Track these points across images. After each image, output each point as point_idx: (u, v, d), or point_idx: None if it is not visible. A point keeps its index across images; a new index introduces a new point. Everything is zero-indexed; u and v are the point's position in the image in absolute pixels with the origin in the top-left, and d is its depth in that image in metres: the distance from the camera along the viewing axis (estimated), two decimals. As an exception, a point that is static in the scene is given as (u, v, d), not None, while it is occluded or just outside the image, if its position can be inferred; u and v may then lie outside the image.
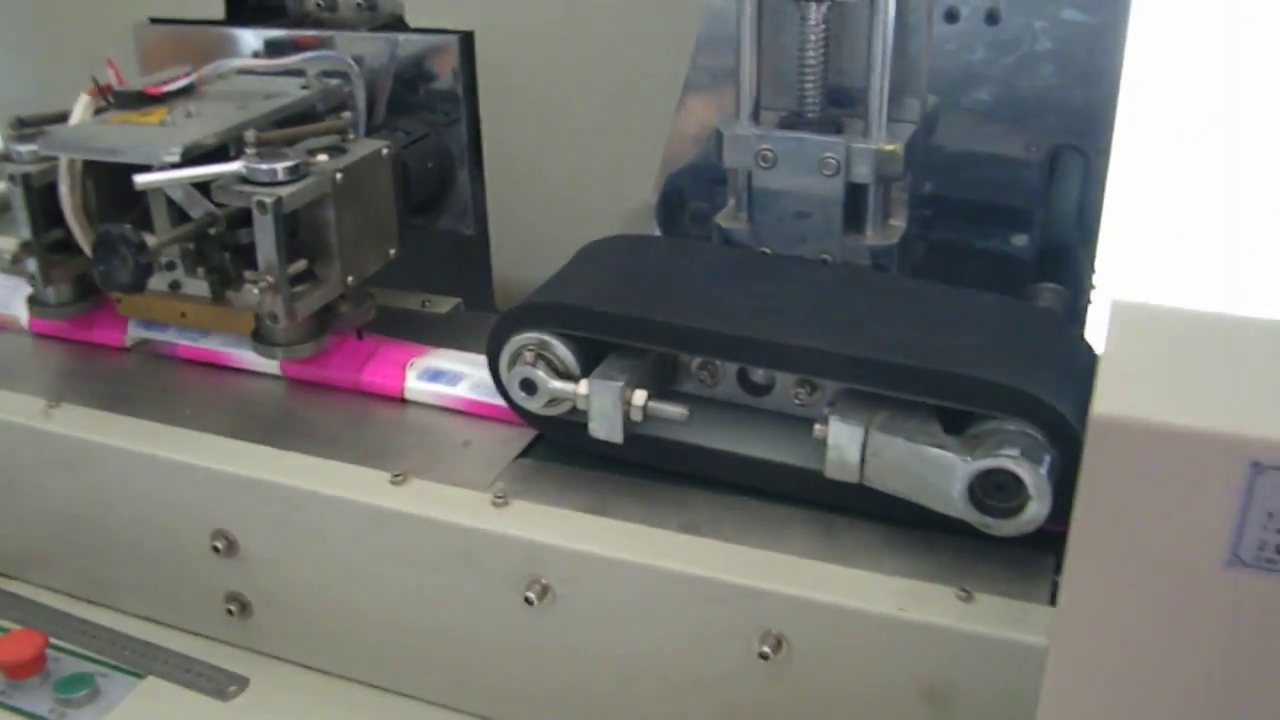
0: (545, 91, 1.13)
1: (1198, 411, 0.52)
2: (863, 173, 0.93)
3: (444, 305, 1.19)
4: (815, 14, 0.93)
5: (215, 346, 1.09)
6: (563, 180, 1.15)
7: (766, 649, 0.80)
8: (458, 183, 1.20)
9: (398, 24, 1.20)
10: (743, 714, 0.84)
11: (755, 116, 0.97)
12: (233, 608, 0.98)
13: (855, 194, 0.95)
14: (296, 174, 0.98)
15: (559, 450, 0.95)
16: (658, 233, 1.11)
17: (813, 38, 0.93)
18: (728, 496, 0.89)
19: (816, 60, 0.94)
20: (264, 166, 0.98)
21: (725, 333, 0.85)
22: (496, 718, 0.92)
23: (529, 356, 0.89)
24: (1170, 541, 0.54)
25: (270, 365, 1.07)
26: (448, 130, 1.19)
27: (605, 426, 0.87)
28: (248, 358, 1.07)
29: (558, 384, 0.89)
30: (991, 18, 0.98)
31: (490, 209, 1.19)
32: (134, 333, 1.12)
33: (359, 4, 1.22)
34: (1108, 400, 0.52)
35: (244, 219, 0.99)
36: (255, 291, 0.99)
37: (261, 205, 0.96)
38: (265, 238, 0.97)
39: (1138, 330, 0.54)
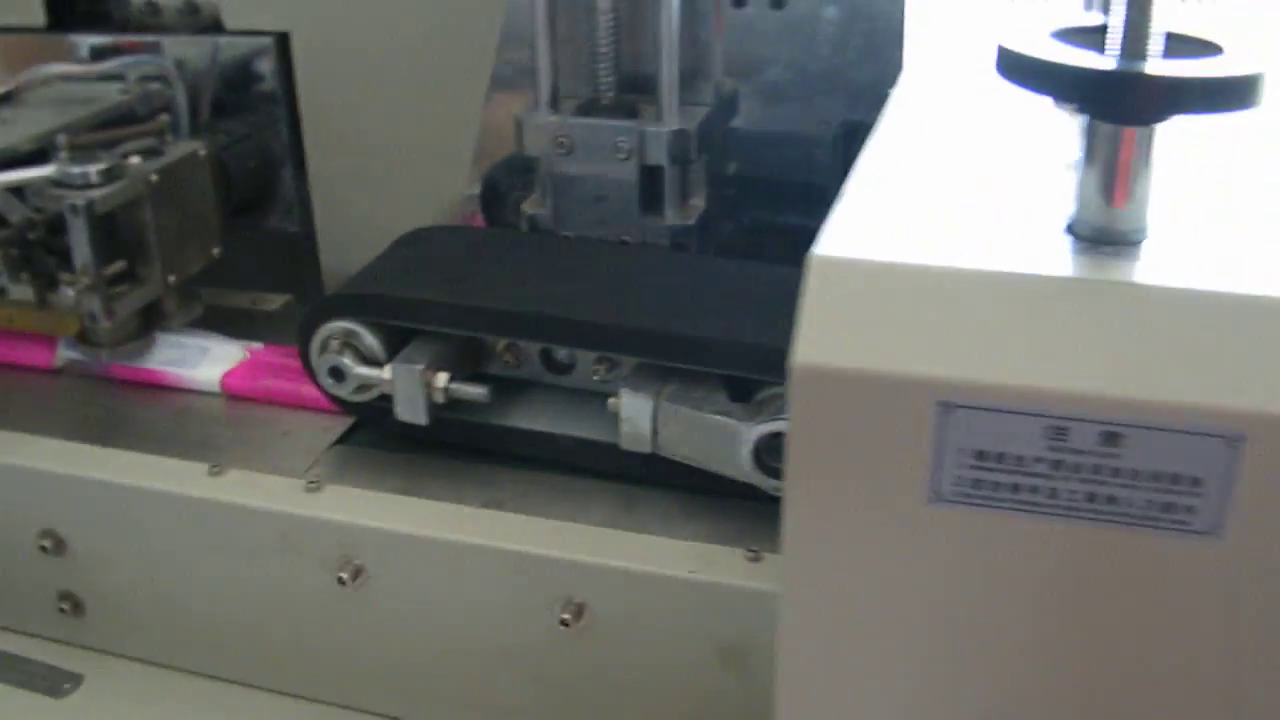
0: (362, 88, 1.16)
1: (888, 356, 0.56)
2: (657, 155, 0.97)
3: (274, 302, 1.21)
4: (604, 2, 0.96)
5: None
6: (384, 174, 1.17)
7: (567, 616, 0.84)
8: (282, 181, 1.22)
9: (219, 27, 1.21)
10: (551, 682, 0.87)
11: (554, 105, 1.00)
12: (65, 606, 0.99)
13: (652, 176, 0.98)
14: (109, 176, 1.00)
15: (374, 436, 0.98)
16: (481, 223, 1.14)
17: (603, 25, 0.96)
18: (534, 473, 0.92)
19: (608, 48, 0.97)
20: (76, 170, 0.99)
21: (519, 312, 0.88)
22: (323, 699, 0.94)
23: (335, 345, 0.91)
24: (876, 482, 0.57)
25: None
26: (270, 130, 1.21)
27: (410, 409, 0.90)
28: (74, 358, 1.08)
29: (363, 370, 0.91)
30: (777, 2, 1.02)
31: (315, 206, 1.21)
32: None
33: (181, 8, 1.23)
34: (805, 349, 0.56)
35: (63, 222, 1.00)
36: (72, 293, 1.00)
37: (73, 208, 0.98)
38: (79, 240, 0.99)
39: (835, 283, 0.57)
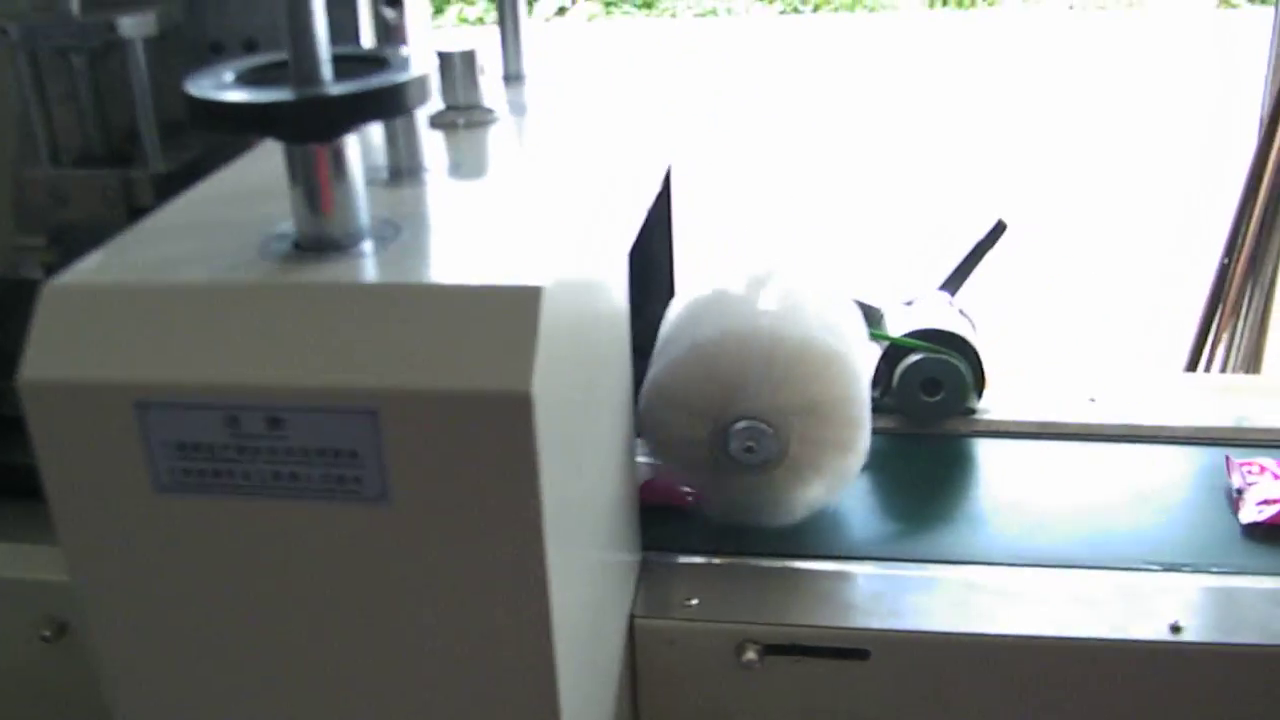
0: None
1: (96, 366, 0.62)
2: (144, 198, 1.02)
3: None
4: (79, 63, 1.02)
5: None
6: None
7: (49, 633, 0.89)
8: None
9: None
10: (44, 695, 0.92)
11: (55, 158, 1.06)
12: None
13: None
14: None
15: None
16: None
17: (82, 84, 1.02)
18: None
19: (89, 104, 1.03)
20: None
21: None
22: None
23: None
24: (110, 477, 0.63)
25: None
26: None
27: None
28: None
29: None
30: (250, 45, 1.09)
31: None
32: None
33: None
34: (30, 367, 0.62)
35: None
36: None
37: None
38: None
39: (62, 307, 0.63)
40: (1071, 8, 8.31)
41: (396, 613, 0.64)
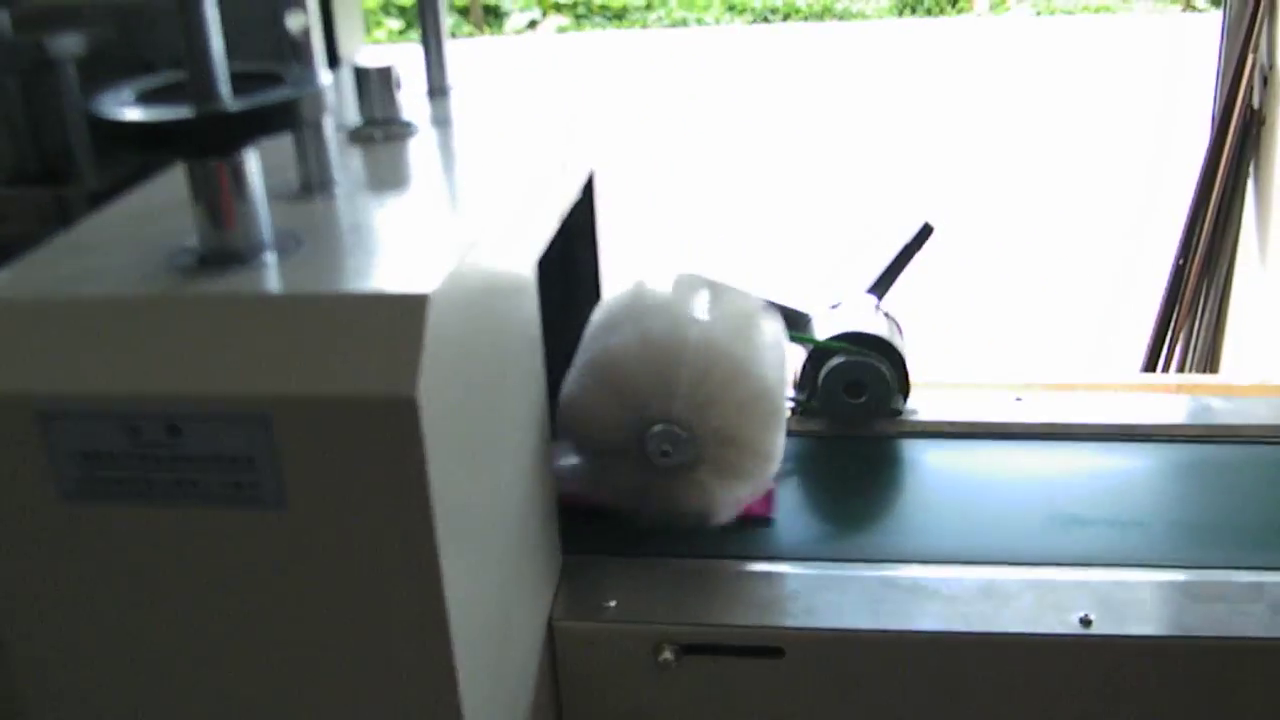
0: None
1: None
2: (80, 214, 1.04)
3: None
4: (12, 85, 1.04)
5: None
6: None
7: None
8: None
9: None
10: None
11: (-12, 177, 1.07)
12: None
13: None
14: None
15: None
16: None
17: (17, 103, 1.04)
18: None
19: (21, 121, 1.04)
20: None
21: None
22: None
23: None
24: (15, 488, 0.65)
25: None
26: None
27: None
28: None
29: None
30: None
31: None
32: None
33: None
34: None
35: None
36: None
37: None
38: None
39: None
40: (1039, 14, 8.37)
41: (298, 615, 0.65)
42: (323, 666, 0.66)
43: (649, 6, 8.68)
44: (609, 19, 8.67)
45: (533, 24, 8.41)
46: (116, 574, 0.66)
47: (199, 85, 0.64)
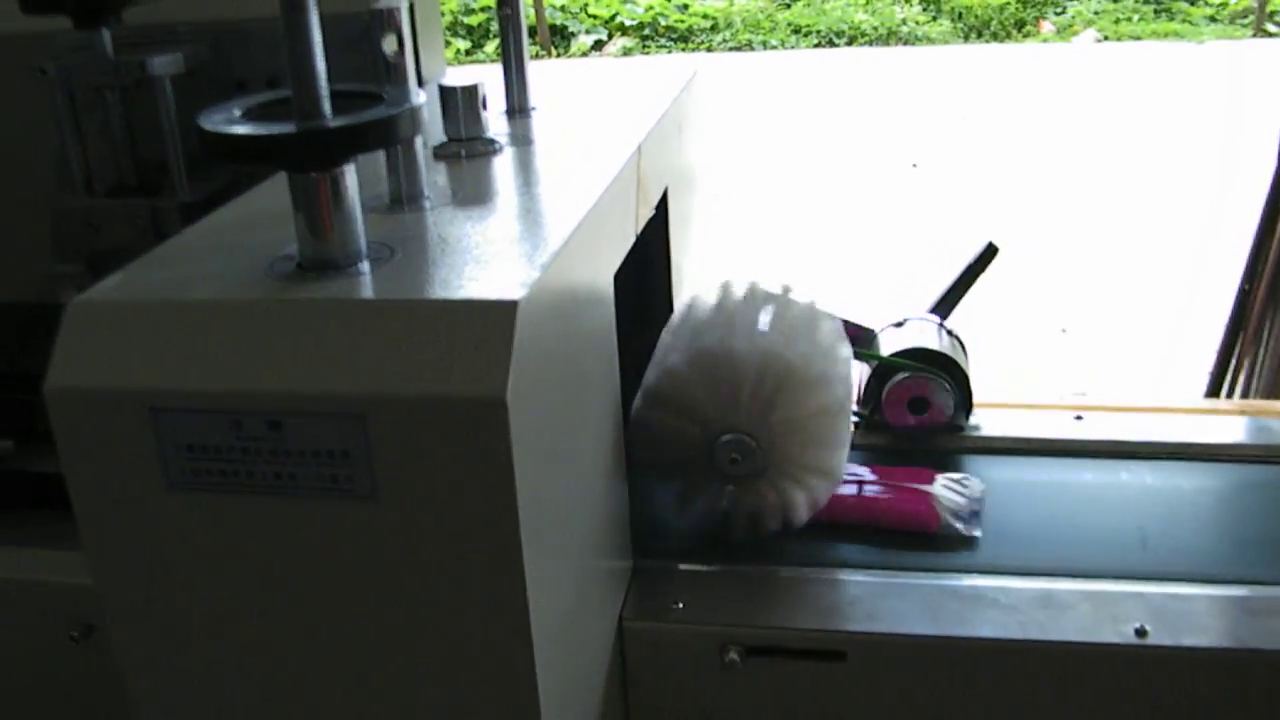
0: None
1: (116, 375, 0.68)
2: (172, 226, 1.09)
3: None
4: (113, 98, 1.09)
5: None
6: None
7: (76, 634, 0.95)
8: None
9: None
10: (73, 693, 0.98)
11: (89, 188, 1.12)
12: None
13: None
14: None
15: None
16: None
17: (115, 117, 1.09)
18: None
19: (122, 136, 1.09)
20: None
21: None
22: None
23: None
24: (124, 479, 0.69)
25: None
26: None
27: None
28: None
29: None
30: (273, 83, 1.15)
31: None
32: None
33: None
34: (55, 375, 0.68)
35: None
36: None
37: None
38: None
39: (86, 322, 0.69)
40: (1106, 38, 8.32)
41: (386, 604, 0.69)
42: (406, 654, 0.70)
43: (714, 29, 8.73)
44: (674, 40, 8.73)
45: (599, 44, 8.48)
46: (216, 562, 0.70)
47: (303, 103, 0.68)
